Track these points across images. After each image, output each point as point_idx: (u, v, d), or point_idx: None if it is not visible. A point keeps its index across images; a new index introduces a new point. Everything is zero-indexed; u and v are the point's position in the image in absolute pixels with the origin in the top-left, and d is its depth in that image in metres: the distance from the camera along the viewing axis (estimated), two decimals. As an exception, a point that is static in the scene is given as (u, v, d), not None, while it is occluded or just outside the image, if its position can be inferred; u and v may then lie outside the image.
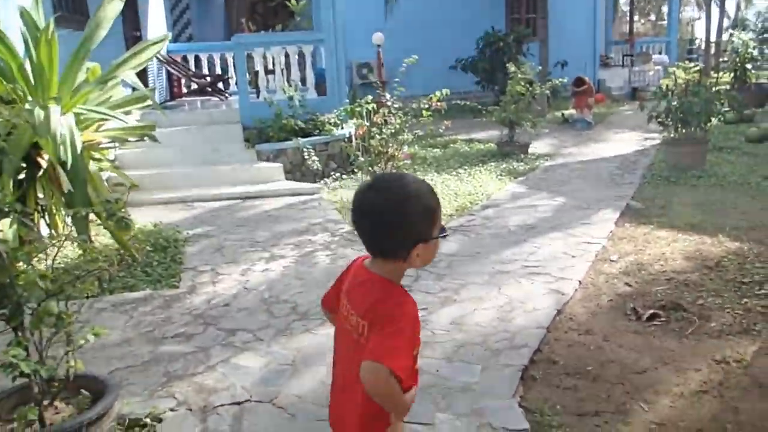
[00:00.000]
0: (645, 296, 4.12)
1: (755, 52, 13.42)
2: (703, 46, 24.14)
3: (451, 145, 10.92)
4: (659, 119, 8.24)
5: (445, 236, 1.66)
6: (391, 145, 6.39)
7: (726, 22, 26.18)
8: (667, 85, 8.41)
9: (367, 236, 1.67)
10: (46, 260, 2.52)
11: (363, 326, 1.64)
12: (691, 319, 3.73)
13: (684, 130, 8.05)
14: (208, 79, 11.48)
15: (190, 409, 3.00)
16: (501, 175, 8.33)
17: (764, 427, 2.66)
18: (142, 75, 9.28)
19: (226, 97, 11.11)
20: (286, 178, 8.10)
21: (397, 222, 1.61)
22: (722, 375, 3.10)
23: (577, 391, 3.05)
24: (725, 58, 19.59)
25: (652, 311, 3.82)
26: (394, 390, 1.58)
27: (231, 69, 11.55)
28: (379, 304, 1.63)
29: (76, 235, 2.93)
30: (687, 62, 8.78)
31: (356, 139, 6.68)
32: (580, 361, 3.33)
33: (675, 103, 8.00)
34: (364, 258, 1.76)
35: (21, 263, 2.26)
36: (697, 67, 8.40)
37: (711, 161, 8.24)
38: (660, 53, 19.96)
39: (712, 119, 8.19)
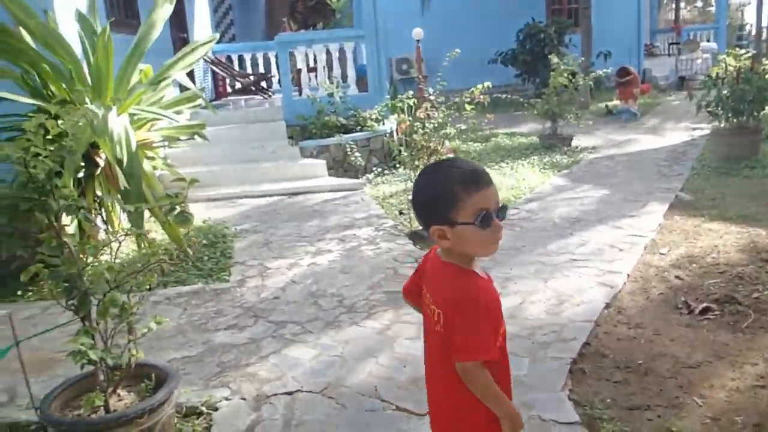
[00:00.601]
0: (697, 289, 4.04)
1: (810, 38, 12.93)
2: (753, 32, 23.34)
3: (493, 138, 10.85)
4: (709, 109, 8.03)
5: (483, 225, 1.58)
6: (433, 139, 6.40)
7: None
8: (717, 73, 8.18)
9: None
10: (108, 254, 2.62)
11: (438, 314, 1.68)
12: (746, 313, 3.65)
13: (735, 120, 7.84)
14: (252, 78, 11.66)
15: (244, 399, 3.08)
16: (544, 168, 8.26)
17: (824, 421, 2.61)
18: (189, 76, 9.49)
19: (270, 96, 11.27)
20: (329, 174, 8.19)
21: (416, 201, 1.69)
22: (779, 369, 3.04)
23: (627, 384, 3.03)
24: (778, 45, 18.94)
25: (704, 305, 3.75)
26: (489, 384, 1.62)
27: (274, 68, 11.71)
28: (447, 292, 1.66)
29: (133, 230, 3.05)
30: (737, 49, 8.52)
31: (398, 134, 6.72)
32: (630, 354, 3.30)
33: (726, 91, 7.79)
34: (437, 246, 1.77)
35: (87, 256, 2.37)
36: (749, 54, 8.15)
37: (765, 151, 7.99)
38: (708, 41, 19.42)
39: (766, 107, 7.94)
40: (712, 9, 32.15)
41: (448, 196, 1.59)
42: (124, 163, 4.38)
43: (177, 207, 2.34)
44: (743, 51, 8.35)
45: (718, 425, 2.65)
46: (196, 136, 5.75)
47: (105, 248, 2.44)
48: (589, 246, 5.02)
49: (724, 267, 4.38)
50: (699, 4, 41.51)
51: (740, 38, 23.74)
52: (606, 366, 3.21)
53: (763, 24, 17.91)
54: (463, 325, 1.60)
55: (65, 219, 3.17)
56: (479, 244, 1.63)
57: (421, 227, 1.73)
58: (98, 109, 4.27)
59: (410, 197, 1.75)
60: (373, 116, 8.86)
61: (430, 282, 1.77)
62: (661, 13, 27.83)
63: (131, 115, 5.07)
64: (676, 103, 14.57)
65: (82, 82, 4.99)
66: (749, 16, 34.01)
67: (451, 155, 6.76)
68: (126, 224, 4.84)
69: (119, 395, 2.69)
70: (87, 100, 4.51)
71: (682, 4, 33.11)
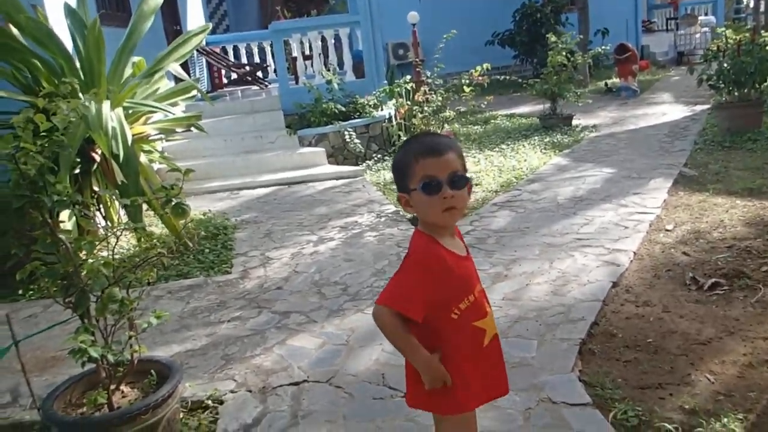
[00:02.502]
0: (705, 265, 3.99)
1: (810, 8, 12.80)
2: (752, 4, 23.12)
3: (493, 120, 10.77)
4: (710, 82, 7.94)
5: (428, 192, 1.66)
6: (433, 123, 6.34)
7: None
8: (717, 46, 8.08)
9: None
10: (106, 249, 2.58)
11: None
12: (756, 287, 3.60)
13: (737, 93, 7.74)
14: (247, 68, 11.57)
15: (250, 391, 3.04)
16: (545, 148, 8.18)
17: (840, 394, 2.56)
18: (184, 68, 9.41)
19: (266, 86, 11.18)
20: (329, 162, 8.13)
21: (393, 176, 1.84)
22: (792, 342, 3.00)
23: (638, 363, 2.98)
24: (777, 16, 18.75)
25: (713, 280, 3.70)
26: (395, 330, 1.69)
27: (269, 57, 11.62)
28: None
29: (130, 225, 3.00)
30: (736, 22, 8.41)
31: (397, 119, 6.66)
32: (639, 333, 3.25)
33: (727, 64, 7.70)
34: None
35: (84, 253, 2.32)
36: (749, 26, 8.04)
37: (767, 123, 7.92)
38: (706, 14, 19.23)
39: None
40: (710, -17, 31.84)
41: (403, 166, 1.72)
42: (121, 158, 4.33)
43: (173, 199, 2.28)
44: (743, 23, 8.24)
45: (731, 401, 2.60)
46: (192, 128, 5.68)
47: (102, 244, 2.39)
48: (593, 225, 4.97)
49: (732, 241, 4.33)
50: (696, -22, 41.10)
51: (738, 11, 23.48)
52: (615, 345, 3.17)
53: (762, -4, 17.71)
54: (395, 276, 1.74)
55: (63, 216, 3.13)
56: (429, 212, 1.70)
57: None
58: (91, 103, 4.20)
59: None
60: (371, 102, 8.78)
61: None
62: (658, -11, 27.53)
63: (125, 108, 5.00)
64: (675, 79, 14.45)
65: (74, 77, 4.93)
66: (747, -11, 33.73)
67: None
68: (125, 219, 4.80)
69: (123, 392, 2.66)
70: (80, 94, 4.43)
71: (679, -21, 32.78)
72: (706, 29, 17.16)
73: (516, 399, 2.74)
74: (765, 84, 7.84)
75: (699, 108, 10.09)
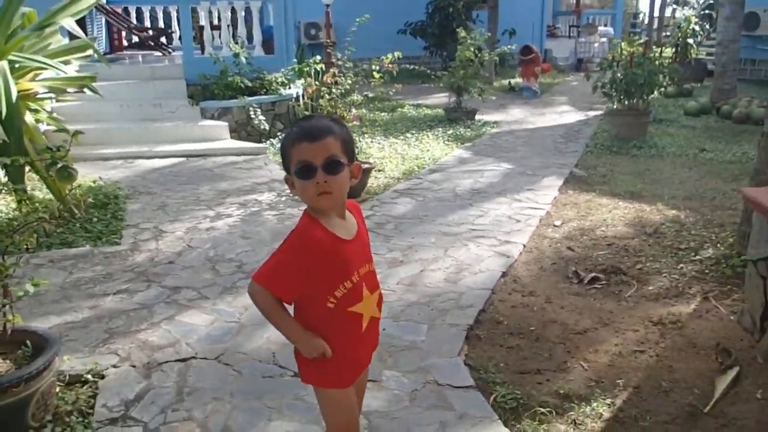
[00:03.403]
0: (586, 260, 4.25)
1: (696, 28, 13.81)
2: (646, 21, 24.64)
3: (400, 109, 10.89)
4: (604, 90, 8.42)
5: (302, 176, 1.70)
6: (340, 106, 6.32)
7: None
8: (613, 57, 8.57)
9: None
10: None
11: None
12: (630, 283, 3.87)
13: (627, 102, 8.25)
14: (150, 32, 11.04)
15: (134, 366, 2.94)
16: (448, 140, 8.38)
17: (697, 384, 2.80)
18: (81, 26, 8.83)
19: (169, 53, 10.71)
20: (231, 137, 7.93)
21: None
22: (658, 335, 3.24)
23: (520, 350, 3.14)
24: (667, 33, 20.09)
25: (593, 275, 3.95)
26: (265, 306, 1.76)
27: (174, 23, 11.14)
28: None
29: (10, 186, 2.78)
30: (631, 35, 8.95)
31: (305, 99, 6.58)
32: (523, 321, 3.42)
33: (620, 74, 8.18)
34: None
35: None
36: (642, 41, 8.58)
37: (651, 133, 8.49)
38: (605, 25, 20.31)
39: (654, 91, 8.41)
40: (610, -4, 33.59)
41: (284, 149, 1.77)
42: (3, 114, 4.01)
43: (59, 161, 2.15)
44: (637, 37, 8.77)
45: (600, 387, 2.80)
46: (86, 90, 5.35)
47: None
48: (488, 217, 5.15)
49: (612, 239, 4.63)
50: (598, -10, 43.21)
51: (634, 26, 25.00)
52: (500, 332, 3.31)
53: (655, 14, 18.88)
54: (274, 253, 1.77)
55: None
56: (304, 196, 1.74)
57: None
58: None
59: None
60: (279, 80, 8.63)
61: None
62: (564, -4, 28.73)
63: (11, 62, 4.63)
64: (574, 84, 15.18)
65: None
66: (643, 5, 35.83)
67: (356, 123, 6.71)
68: (6, 181, 4.47)
69: (-7, 363, 2.49)
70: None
71: (583, -11, 34.34)
72: (604, 39, 18.13)
73: (404, 381, 2.82)
74: (652, 96, 8.41)
75: (592, 113, 10.66)
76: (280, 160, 1.97)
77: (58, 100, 6.66)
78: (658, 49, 9.17)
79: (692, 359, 3.02)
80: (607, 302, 3.65)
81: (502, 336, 3.27)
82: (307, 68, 6.91)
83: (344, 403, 1.91)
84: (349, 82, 6.29)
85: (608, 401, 2.69)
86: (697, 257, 4.22)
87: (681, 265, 4.12)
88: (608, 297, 3.72)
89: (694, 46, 13.67)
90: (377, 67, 6.55)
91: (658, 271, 4.04)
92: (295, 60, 9.35)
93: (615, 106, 8.48)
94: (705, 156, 7.43)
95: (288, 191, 5.70)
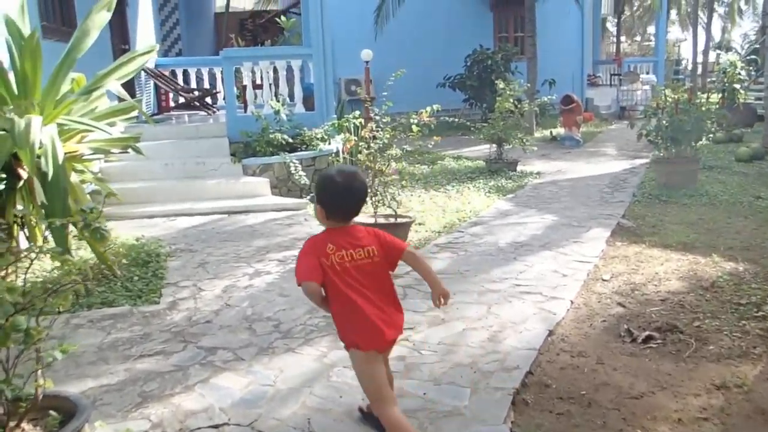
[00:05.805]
0: (639, 317, 4.01)
1: (743, 73, 13.54)
2: (689, 67, 24.38)
3: (439, 161, 10.86)
4: (649, 138, 8.22)
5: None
6: (378, 160, 6.29)
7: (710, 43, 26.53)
8: (657, 104, 8.40)
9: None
10: (18, 273, 2.38)
11: None
12: (689, 342, 3.62)
13: (674, 149, 8.03)
14: (196, 93, 11.37)
15: (166, 433, 2.85)
16: (489, 192, 8.26)
17: (766, 455, 2.56)
18: (129, 88, 9.16)
19: (214, 112, 10.99)
20: (272, 193, 7.97)
21: None
22: (723, 400, 2.99)
23: (570, 416, 2.93)
24: (712, 78, 19.79)
25: (647, 333, 3.71)
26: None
27: (219, 83, 11.46)
28: None
29: (44, 248, 2.77)
30: (675, 82, 8.80)
31: (344, 154, 6.60)
32: (573, 384, 3.22)
33: (665, 121, 7.99)
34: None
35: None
36: (686, 87, 8.41)
37: (702, 180, 8.21)
38: (647, 73, 20.12)
39: (703, 138, 8.18)
40: (651, 43, 33.52)
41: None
42: (50, 176, 4.09)
43: (92, 223, 2.12)
44: (681, 84, 8.61)
45: (661, 459, 2.57)
46: (130, 150, 5.46)
47: (16, 267, 2.20)
48: (532, 272, 4.97)
49: (666, 294, 4.38)
50: (638, 38, 43.20)
51: (677, 72, 24.70)
52: (549, 396, 3.11)
53: (698, 60, 18.68)
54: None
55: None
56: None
57: None
58: (21, 118, 3.98)
59: None
60: (319, 135, 8.71)
61: None
62: (603, 46, 28.77)
63: (60, 125, 4.77)
64: (617, 132, 14.96)
65: (7, 89, 4.69)
66: (685, 52, 35.60)
67: (396, 176, 6.66)
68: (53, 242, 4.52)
69: (23, 430, 2.43)
70: (10, 107, 4.20)
71: (623, 38, 34.39)
72: (647, 87, 17.93)
73: (446, 450, 2.64)
74: (700, 142, 8.16)
75: (638, 162, 10.42)
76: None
77: (105, 161, 6.83)
78: (704, 95, 8.96)
79: (762, 428, 2.77)
80: (664, 363, 3.41)
81: (550, 401, 3.07)
82: (346, 123, 6.96)
83: (368, 370, 2.48)
84: (387, 136, 6.27)
85: (671, 476, 2.46)
86: (760, 313, 3.95)
87: (743, 321, 3.86)
88: (665, 357, 3.48)
89: (741, 90, 13.38)
90: (416, 120, 6.54)
91: (718, 329, 3.78)
92: (335, 116, 9.46)
93: (662, 154, 8.25)
94: (761, 204, 7.11)
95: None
